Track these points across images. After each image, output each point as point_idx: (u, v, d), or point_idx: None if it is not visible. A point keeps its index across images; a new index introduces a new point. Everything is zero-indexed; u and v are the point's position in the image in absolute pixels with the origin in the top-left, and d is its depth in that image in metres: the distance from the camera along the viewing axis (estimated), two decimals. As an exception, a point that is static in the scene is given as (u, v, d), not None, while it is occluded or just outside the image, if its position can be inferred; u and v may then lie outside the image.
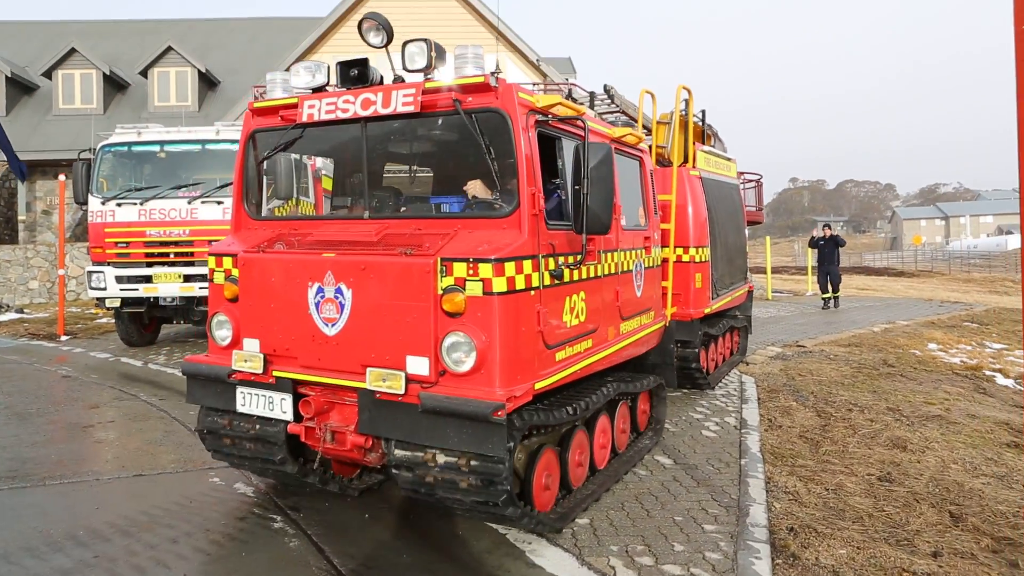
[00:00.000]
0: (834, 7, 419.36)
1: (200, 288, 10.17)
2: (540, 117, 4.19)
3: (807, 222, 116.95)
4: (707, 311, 7.81)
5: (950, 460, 5.74)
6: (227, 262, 4.46)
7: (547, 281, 4.05)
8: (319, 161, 14.14)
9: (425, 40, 4.05)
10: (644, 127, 7.86)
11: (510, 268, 3.73)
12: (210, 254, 4.57)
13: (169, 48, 24.30)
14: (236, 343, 4.36)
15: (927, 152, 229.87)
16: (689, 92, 8.07)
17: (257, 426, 4.30)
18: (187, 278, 10.18)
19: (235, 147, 10.63)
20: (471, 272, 3.69)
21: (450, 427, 3.63)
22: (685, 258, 7.52)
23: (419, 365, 3.73)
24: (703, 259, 7.79)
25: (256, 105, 4.67)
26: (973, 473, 5.50)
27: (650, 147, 7.35)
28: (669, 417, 6.69)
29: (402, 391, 3.70)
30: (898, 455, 5.78)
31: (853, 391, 8.20)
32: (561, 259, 4.22)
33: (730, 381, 8.41)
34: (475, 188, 4.44)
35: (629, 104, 8.61)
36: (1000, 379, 10.10)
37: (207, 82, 26.01)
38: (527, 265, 3.86)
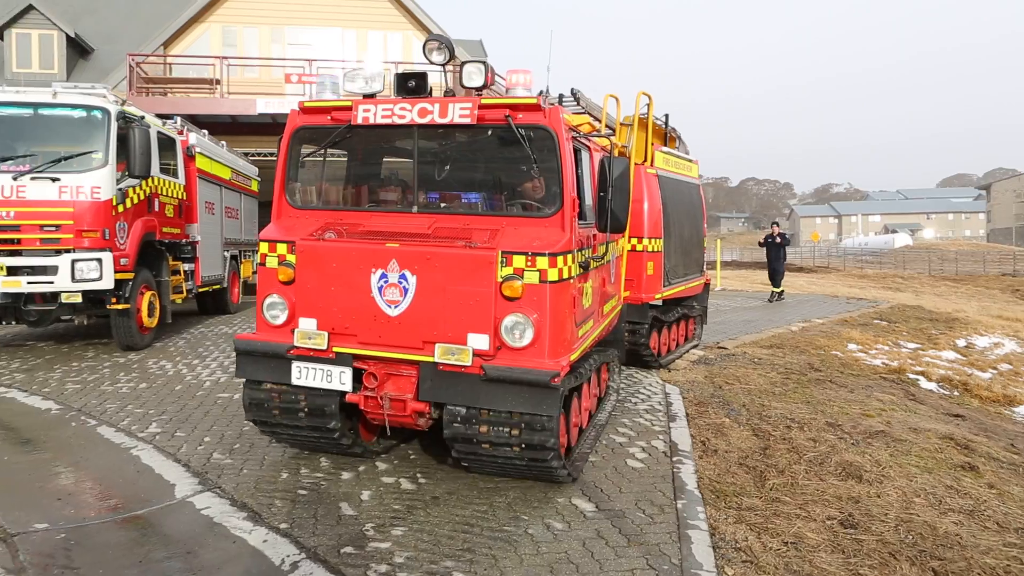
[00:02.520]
0: (739, 18, 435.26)
1: (28, 283, 8.39)
2: (574, 134, 4.85)
3: (712, 218, 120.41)
4: (657, 297, 8.34)
5: (911, 492, 4.93)
6: (281, 248, 4.74)
7: (577, 272, 4.69)
8: (192, 138, 12.40)
9: (483, 61, 4.57)
10: (608, 127, 8.29)
11: (560, 261, 4.37)
12: (261, 240, 4.86)
13: (30, 7, 21.52)
14: (291, 322, 4.70)
15: (821, 154, 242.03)
16: (649, 98, 8.65)
17: (309, 397, 4.69)
18: (11, 270, 8.36)
19: (77, 113, 8.88)
20: (529, 263, 4.28)
21: (509, 392, 4.17)
22: (639, 248, 8.02)
23: (480, 341, 4.28)
24: (656, 249, 8.27)
25: (306, 104, 5.01)
26: (940, 509, 4.71)
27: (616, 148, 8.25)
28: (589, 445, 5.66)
29: (470, 363, 4.22)
30: (854, 487, 4.93)
31: (786, 402, 7.42)
32: (586, 252, 4.95)
33: (654, 392, 7.47)
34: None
35: (594, 106, 8.83)
36: (924, 383, 9.68)
37: (78, 49, 23.32)
38: (569, 258, 4.51)
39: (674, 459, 5.38)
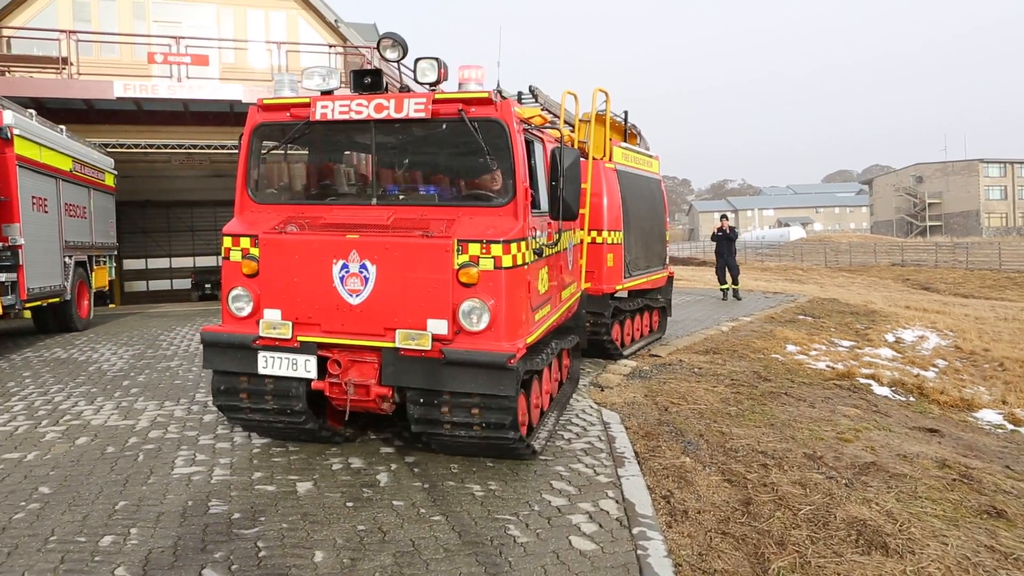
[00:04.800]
0: (637, 26, 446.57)
1: None
2: (526, 126, 5.07)
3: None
4: (618, 288, 8.51)
5: (954, 565, 3.65)
6: (244, 241, 4.85)
7: (531, 258, 4.87)
8: (8, 117, 10.02)
9: (436, 58, 4.80)
10: (567, 123, 8.23)
11: (513, 248, 4.52)
12: (224, 234, 4.93)
13: None
14: (256, 313, 4.81)
15: (715, 153, 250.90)
16: (607, 94, 8.62)
17: (276, 385, 4.80)
18: None
19: None
20: (484, 251, 4.43)
21: (467, 375, 4.36)
22: (599, 240, 8.08)
23: (439, 326, 4.42)
24: (616, 241, 8.38)
25: (265, 101, 5.15)
26: (1000, 591, 3.45)
27: (573, 142, 7.91)
28: (515, 513, 4.13)
29: (429, 347, 4.39)
30: (884, 564, 3.60)
31: (747, 426, 6.14)
32: (540, 239, 5.11)
33: (590, 422, 6.01)
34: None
35: (553, 103, 8.80)
36: (876, 388, 8.73)
37: None
38: (523, 245, 4.67)
39: (635, 531, 3.91)
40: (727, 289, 17.34)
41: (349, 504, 4.24)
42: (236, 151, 19.09)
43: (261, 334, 4.69)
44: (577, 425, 5.90)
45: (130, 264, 31.40)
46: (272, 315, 4.73)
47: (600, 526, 3.96)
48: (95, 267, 13.38)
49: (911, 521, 4.15)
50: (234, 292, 4.85)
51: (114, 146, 17.59)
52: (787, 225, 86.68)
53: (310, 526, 3.96)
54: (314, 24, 21.14)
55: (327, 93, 5.06)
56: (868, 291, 28.29)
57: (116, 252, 14.95)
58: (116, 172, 15.28)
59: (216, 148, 19.25)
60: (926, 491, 4.74)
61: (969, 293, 31.90)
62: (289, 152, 5.45)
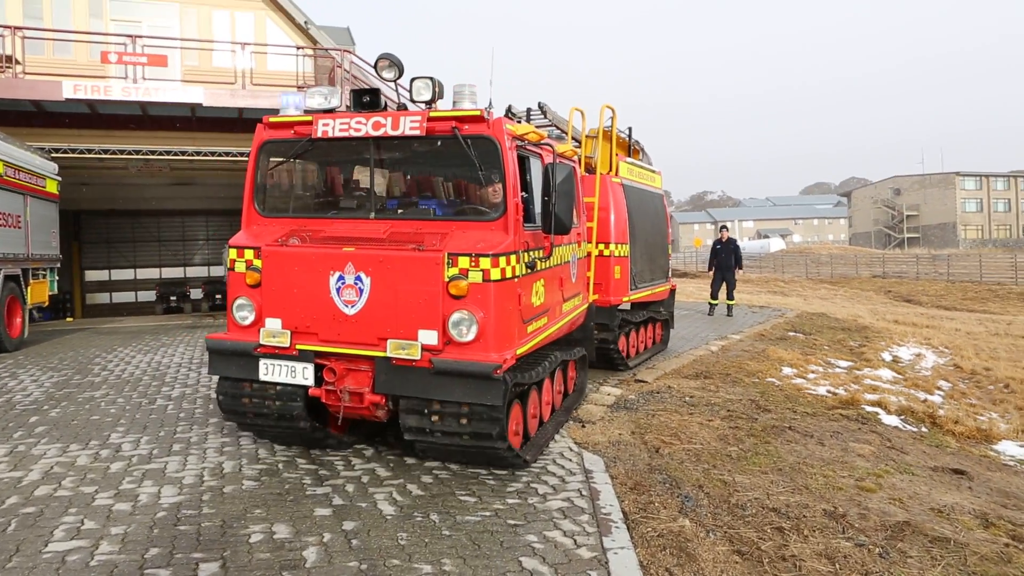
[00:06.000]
0: (619, 40, 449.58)
1: None
2: (519, 142, 5.15)
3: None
4: (625, 300, 8.64)
5: None
6: (248, 253, 5.08)
7: (523, 271, 4.98)
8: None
9: (431, 77, 4.92)
10: (574, 139, 8.34)
11: (502, 261, 4.67)
12: (230, 246, 5.15)
13: None
14: (258, 322, 5.03)
15: (697, 163, 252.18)
16: (613, 110, 8.80)
17: (276, 391, 4.99)
18: None
19: None
20: (473, 264, 4.58)
21: (456, 384, 4.49)
22: (606, 253, 8.21)
23: (429, 337, 4.59)
24: (623, 254, 8.51)
25: (271, 120, 5.38)
26: None
27: (579, 158, 7.83)
28: (475, 611, 3.22)
29: (418, 357, 4.55)
30: None
31: (750, 471, 5.27)
32: (533, 253, 5.19)
33: (570, 470, 5.08)
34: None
35: (560, 119, 8.99)
36: (884, 417, 7.91)
37: None
38: (512, 259, 4.80)
39: (627, 637, 3.01)
40: (716, 305, 16.50)
41: (259, 597, 3.30)
42: (198, 157, 18.03)
43: (261, 342, 4.90)
44: (554, 475, 4.98)
45: (92, 275, 30.09)
46: (273, 324, 4.93)
47: (582, 630, 3.05)
48: (31, 281, 12.27)
49: (974, 614, 3.29)
50: (238, 302, 5.08)
51: (65, 151, 16.51)
52: (767, 236, 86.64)
53: (201, 634, 3.01)
54: (283, 25, 20.18)
55: (329, 112, 5.24)
56: (853, 304, 27.73)
57: (59, 264, 13.84)
58: (60, 179, 14.19)
59: (176, 154, 18.19)
60: (978, 564, 3.89)
61: (952, 306, 31.50)
62: (294, 168, 5.67)
